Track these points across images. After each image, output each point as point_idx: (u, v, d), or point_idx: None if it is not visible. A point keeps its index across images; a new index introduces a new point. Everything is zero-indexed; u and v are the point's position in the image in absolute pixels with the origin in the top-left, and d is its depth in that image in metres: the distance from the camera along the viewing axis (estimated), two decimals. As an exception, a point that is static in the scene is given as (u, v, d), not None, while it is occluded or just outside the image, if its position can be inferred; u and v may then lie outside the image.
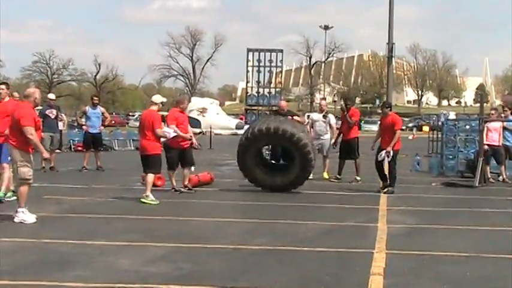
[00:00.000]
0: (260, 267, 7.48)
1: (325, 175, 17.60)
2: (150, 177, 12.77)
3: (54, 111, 19.26)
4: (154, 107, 13.31)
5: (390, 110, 15.26)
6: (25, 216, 10.15)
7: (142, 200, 12.50)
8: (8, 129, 10.89)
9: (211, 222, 10.79)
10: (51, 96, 20.51)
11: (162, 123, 13.45)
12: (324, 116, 17.99)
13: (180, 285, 6.56)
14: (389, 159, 14.45)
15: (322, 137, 17.80)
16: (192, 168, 14.71)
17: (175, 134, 13.57)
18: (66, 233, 9.38)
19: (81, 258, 7.78)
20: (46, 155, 11.02)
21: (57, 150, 19.33)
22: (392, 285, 6.67)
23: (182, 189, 14.01)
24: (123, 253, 8.10)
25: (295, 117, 16.39)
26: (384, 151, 14.47)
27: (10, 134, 10.53)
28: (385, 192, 14.30)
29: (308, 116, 19.12)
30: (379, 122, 16.61)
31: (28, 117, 10.27)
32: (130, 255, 8.00)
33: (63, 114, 21.51)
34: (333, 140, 17.80)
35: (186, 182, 14.24)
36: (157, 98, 13.53)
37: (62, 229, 9.79)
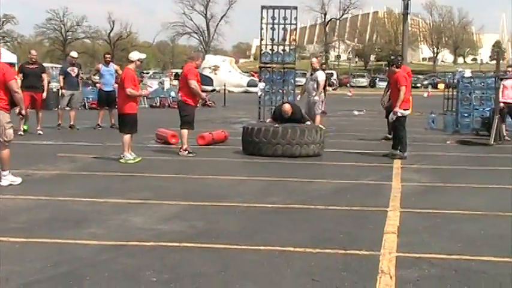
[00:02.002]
0: (273, 226, 7.47)
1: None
2: (126, 137, 12.53)
3: (76, 70, 19.21)
4: (131, 65, 12.84)
5: (397, 68, 14.02)
6: (13, 177, 9.94)
7: (121, 160, 12.44)
8: None
9: (224, 180, 10.79)
10: (74, 54, 20.34)
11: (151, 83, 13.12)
12: (311, 74, 17.86)
13: (194, 243, 6.56)
14: (394, 117, 13.66)
15: (310, 96, 17.67)
16: None
17: (151, 90, 13.27)
18: (80, 191, 9.41)
19: (95, 216, 7.80)
20: (24, 112, 10.69)
21: (67, 108, 19.18)
22: (406, 243, 6.65)
23: (184, 153, 13.60)
24: (137, 211, 8.11)
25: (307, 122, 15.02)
26: (392, 113, 13.76)
27: None
28: (386, 155, 13.70)
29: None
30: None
31: (11, 72, 9.99)
32: (143, 213, 8.02)
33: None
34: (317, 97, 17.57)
35: (187, 145, 13.75)
36: (134, 55, 13.04)
37: (76, 187, 9.82)
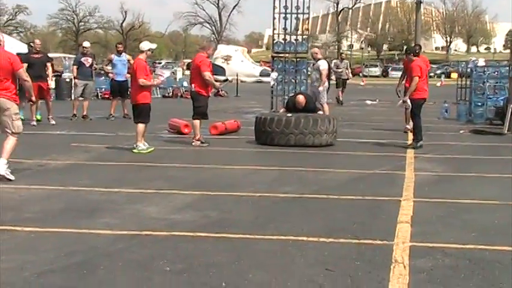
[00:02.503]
0: (286, 215, 7.48)
1: None
2: (139, 126, 12.50)
3: (90, 60, 19.21)
4: (142, 56, 12.83)
5: (414, 56, 13.89)
6: (8, 170, 9.39)
7: (134, 150, 12.43)
8: None
9: (238, 170, 10.80)
10: (86, 44, 20.35)
11: (155, 73, 13.12)
12: (313, 65, 17.92)
13: (207, 232, 6.57)
14: (405, 106, 13.85)
15: (314, 84, 17.80)
16: None
17: (163, 79, 13.26)
18: (94, 181, 9.44)
19: (108, 206, 7.83)
20: (34, 99, 10.72)
21: (80, 98, 19.21)
22: (420, 233, 6.63)
23: (199, 142, 13.55)
24: (150, 201, 8.13)
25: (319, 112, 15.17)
26: (401, 101, 13.89)
27: (3, 88, 9.44)
28: (407, 147, 13.50)
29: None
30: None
31: (18, 61, 9.82)
32: (157, 203, 8.04)
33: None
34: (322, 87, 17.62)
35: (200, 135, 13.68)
36: (145, 45, 13.00)
37: (90, 177, 9.85)
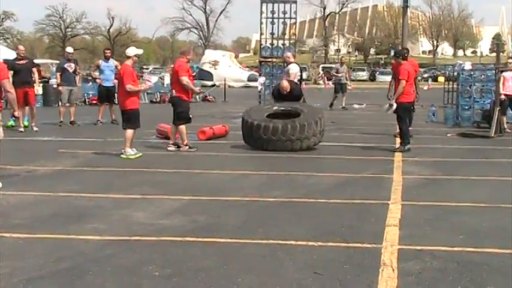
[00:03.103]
0: (275, 220, 7.49)
1: None
2: (128, 132, 12.51)
3: (73, 65, 19.13)
4: (129, 61, 12.82)
5: (403, 59, 13.93)
6: None
7: (122, 156, 12.42)
8: None
9: (226, 175, 10.80)
10: (69, 49, 20.28)
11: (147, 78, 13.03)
12: (285, 68, 17.98)
13: (196, 237, 6.58)
14: (391, 111, 13.62)
15: None
16: None
17: (151, 84, 13.27)
18: (82, 186, 9.42)
19: (97, 212, 7.82)
20: (17, 114, 10.37)
21: (76, 104, 19.17)
22: (408, 236, 6.66)
23: (186, 148, 13.50)
24: (139, 206, 8.13)
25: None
26: (387, 104, 13.87)
27: None
28: (395, 151, 13.39)
29: None
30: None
31: (5, 71, 9.71)
32: (145, 208, 8.03)
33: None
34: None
35: (187, 140, 13.67)
36: (131, 51, 13.00)
37: (78, 182, 9.83)
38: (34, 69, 18.05)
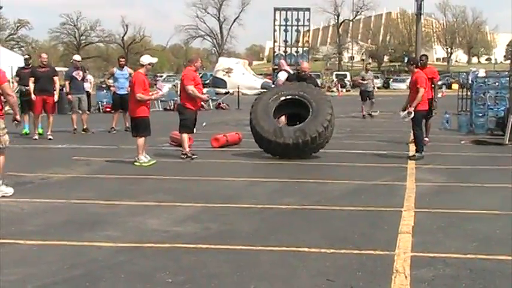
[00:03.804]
0: (288, 227, 7.50)
1: None
2: (139, 140, 12.52)
3: (81, 73, 19.21)
4: (142, 70, 12.86)
5: (416, 67, 13.83)
6: (6, 188, 9.30)
7: (135, 163, 12.43)
8: None
9: (238, 182, 10.82)
10: (77, 57, 20.35)
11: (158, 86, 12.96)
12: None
13: (209, 244, 6.59)
14: (408, 118, 13.43)
15: None
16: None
17: (167, 90, 13.12)
18: (96, 194, 9.46)
19: (110, 219, 7.85)
20: (18, 117, 10.05)
21: (87, 112, 19.25)
22: (421, 243, 6.65)
23: (189, 156, 13.33)
24: (152, 213, 8.16)
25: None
26: (405, 112, 13.47)
27: None
28: (410, 159, 13.27)
29: None
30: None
31: (4, 75, 9.53)
32: (158, 215, 8.06)
33: (89, 76, 21.33)
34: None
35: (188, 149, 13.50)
36: (145, 59, 12.97)
37: (91, 189, 9.88)
38: (55, 78, 18.05)
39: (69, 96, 19.16)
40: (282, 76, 17.66)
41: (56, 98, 17.82)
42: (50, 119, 17.69)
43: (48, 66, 18.44)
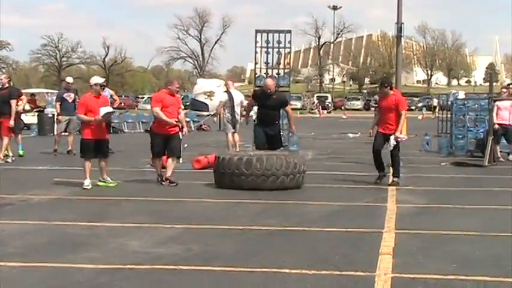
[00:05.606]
0: (269, 248, 7.51)
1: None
2: (84, 162, 12.33)
3: (72, 95, 19.20)
4: (91, 90, 12.55)
5: (391, 89, 13.03)
6: None
7: (98, 183, 12.41)
8: None
9: (219, 204, 10.83)
10: (69, 79, 20.31)
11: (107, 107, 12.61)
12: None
13: (190, 266, 6.59)
14: (395, 143, 12.65)
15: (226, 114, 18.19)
16: (180, 160, 14.55)
17: (109, 111, 12.66)
18: (77, 215, 9.44)
19: (91, 240, 7.83)
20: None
21: (65, 133, 19.11)
22: (402, 264, 6.68)
23: (163, 183, 12.72)
24: (133, 235, 8.14)
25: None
26: (393, 138, 12.64)
27: None
28: (390, 185, 12.67)
29: None
30: (376, 104, 15.37)
31: None
32: (140, 236, 8.04)
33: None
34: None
35: (169, 174, 12.74)
36: (92, 80, 12.73)
37: (72, 211, 9.86)
38: (12, 101, 16.98)
39: (60, 117, 19.12)
40: (222, 97, 17.91)
41: (11, 122, 16.96)
42: (5, 141, 16.90)
43: (7, 88, 17.66)
